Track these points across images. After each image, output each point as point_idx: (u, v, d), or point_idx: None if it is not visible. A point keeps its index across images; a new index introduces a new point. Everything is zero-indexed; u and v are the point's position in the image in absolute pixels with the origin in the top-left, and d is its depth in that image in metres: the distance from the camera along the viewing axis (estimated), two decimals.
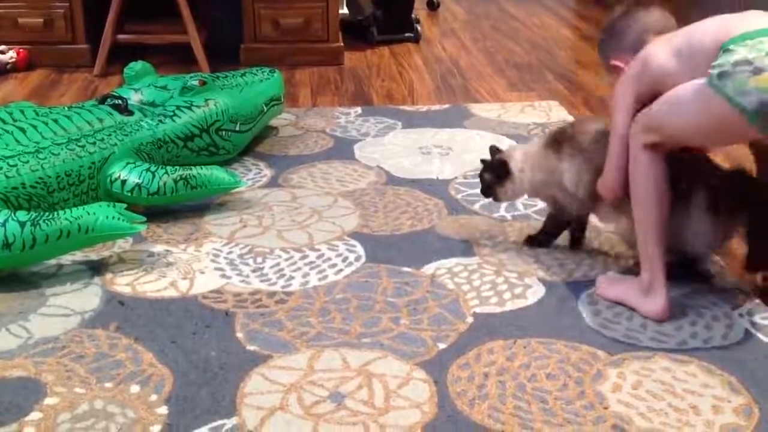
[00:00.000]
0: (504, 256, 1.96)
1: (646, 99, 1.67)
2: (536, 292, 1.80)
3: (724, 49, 1.52)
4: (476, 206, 2.22)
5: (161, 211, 2.13)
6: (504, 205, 2.22)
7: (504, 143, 2.67)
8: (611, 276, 1.84)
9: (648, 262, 1.70)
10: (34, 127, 2.04)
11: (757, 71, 1.46)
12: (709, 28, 1.59)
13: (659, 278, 1.69)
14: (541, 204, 2.21)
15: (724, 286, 1.83)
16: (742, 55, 1.48)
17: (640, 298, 1.72)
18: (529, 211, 2.19)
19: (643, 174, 1.66)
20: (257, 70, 2.72)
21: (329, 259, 1.95)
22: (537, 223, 2.12)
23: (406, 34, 3.98)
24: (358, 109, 2.99)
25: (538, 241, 2.00)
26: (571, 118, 2.89)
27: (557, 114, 2.94)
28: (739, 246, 2.01)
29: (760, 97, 1.46)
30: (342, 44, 3.62)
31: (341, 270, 1.90)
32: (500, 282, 1.84)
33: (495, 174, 1.97)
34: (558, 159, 1.88)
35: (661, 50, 1.64)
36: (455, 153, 2.60)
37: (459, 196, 2.29)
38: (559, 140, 1.90)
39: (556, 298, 1.78)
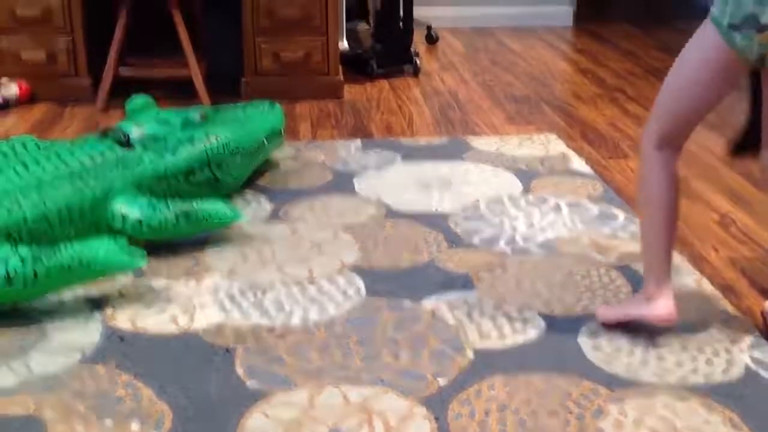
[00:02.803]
0: (504, 290, 1.96)
1: None
2: (536, 327, 1.80)
3: None
4: (476, 239, 2.23)
5: (162, 244, 2.14)
6: (504, 238, 2.23)
7: (503, 176, 2.68)
8: (609, 305, 1.86)
9: (653, 270, 1.72)
10: (37, 161, 2.05)
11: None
12: None
13: (666, 283, 1.71)
14: (542, 237, 2.22)
15: (725, 321, 1.83)
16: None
17: (645, 306, 1.73)
18: (529, 245, 2.20)
19: (654, 176, 1.69)
20: (258, 104, 2.74)
21: (329, 293, 1.95)
22: (537, 257, 2.13)
23: (406, 68, 4.01)
24: (358, 142, 3.01)
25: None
26: (569, 152, 2.90)
27: (555, 147, 2.96)
28: (739, 279, 2.02)
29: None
30: (342, 78, 3.64)
31: (341, 304, 1.90)
32: (500, 316, 1.84)
33: None
34: None
35: None
36: (454, 186, 2.61)
37: (458, 230, 2.29)
38: None
39: (556, 333, 1.78)
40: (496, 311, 1.87)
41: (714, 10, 1.58)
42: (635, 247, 2.18)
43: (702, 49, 1.61)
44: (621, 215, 2.39)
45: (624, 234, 2.27)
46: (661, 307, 1.71)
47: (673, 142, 1.69)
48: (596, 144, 3.03)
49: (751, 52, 1.55)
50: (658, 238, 1.71)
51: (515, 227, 2.31)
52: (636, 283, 1.98)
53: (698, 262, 2.10)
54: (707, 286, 1.97)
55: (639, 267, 2.06)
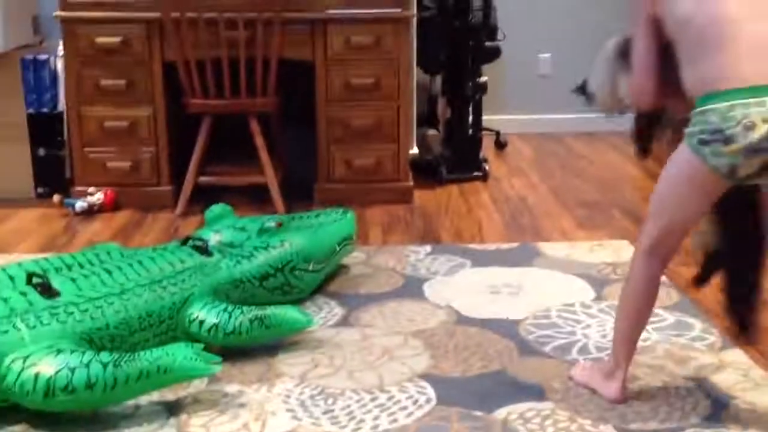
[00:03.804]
0: (577, 402, 1.92)
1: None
2: None
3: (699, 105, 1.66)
4: (548, 348, 2.21)
5: (235, 349, 2.18)
6: (576, 347, 2.20)
7: (574, 283, 2.66)
8: (586, 363, 2.06)
9: (617, 352, 1.90)
10: (120, 268, 2.14)
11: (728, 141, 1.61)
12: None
13: (622, 368, 1.90)
14: None
15: None
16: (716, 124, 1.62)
17: (601, 381, 1.94)
18: (602, 354, 2.16)
19: (636, 276, 1.84)
20: (331, 211, 2.82)
21: (399, 401, 1.94)
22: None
23: (475, 173, 4.07)
24: (428, 248, 3.04)
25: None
26: None
27: (627, 253, 2.93)
28: None
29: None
30: (412, 184, 3.71)
31: (412, 413, 1.89)
32: (575, 429, 1.80)
33: None
34: None
35: None
36: (525, 293, 2.60)
37: (530, 337, 2.27)
38: None
39: None
40: (571, 424, 1.83)
41: (687, 127, 1.68)
42: (712, 358, 2.12)
43: (678, 166, 1.74)
44: (697, 325, 2.33)
45: (700, 344, 2.21)
46: (612, 391, 1.90)
47: (660, 251, 1.81)
48: None
49: (721, 165, 1.63)
50: (625, 329, 1.89)
51: (588, 336, 2.28)
52: (715, 397, 1.93)
53: None
54: None
55: (718, 380, 2.01)
